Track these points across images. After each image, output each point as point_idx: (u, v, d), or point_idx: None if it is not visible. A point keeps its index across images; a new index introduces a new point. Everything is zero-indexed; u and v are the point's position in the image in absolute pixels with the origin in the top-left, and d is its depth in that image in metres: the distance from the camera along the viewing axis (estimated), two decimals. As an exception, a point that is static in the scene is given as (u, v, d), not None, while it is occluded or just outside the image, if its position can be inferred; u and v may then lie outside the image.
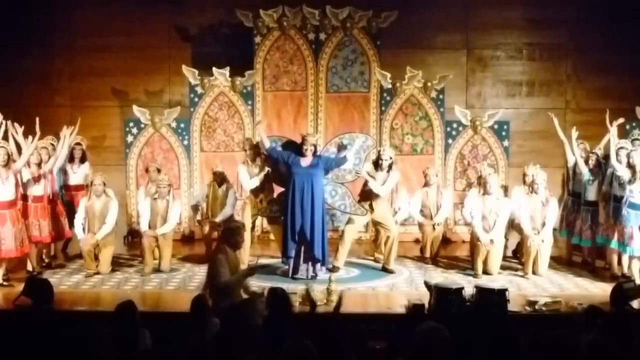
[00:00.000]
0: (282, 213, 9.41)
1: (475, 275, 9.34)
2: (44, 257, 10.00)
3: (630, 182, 8.99)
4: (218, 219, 10.29)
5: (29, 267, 9.46)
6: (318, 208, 9.17)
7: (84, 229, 9.55)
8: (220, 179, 10.49)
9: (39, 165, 9.52)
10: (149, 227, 9.65)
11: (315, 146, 9.34)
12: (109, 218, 9.53)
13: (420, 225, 10.49)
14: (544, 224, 9.48)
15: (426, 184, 10.46)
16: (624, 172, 9.06)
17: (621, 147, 9.54)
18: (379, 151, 9.87)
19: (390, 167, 9.65)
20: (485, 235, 9.37)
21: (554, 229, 9.84)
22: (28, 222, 9.27)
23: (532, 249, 9.38)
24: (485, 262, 9.45)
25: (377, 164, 9.64)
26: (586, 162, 9.89)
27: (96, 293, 8.79)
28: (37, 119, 9.58)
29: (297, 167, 9.19)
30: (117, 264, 9.92)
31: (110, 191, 9.82)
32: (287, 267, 9.36)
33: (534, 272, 9.43)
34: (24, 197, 9.33)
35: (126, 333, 5.74)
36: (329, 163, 9.31)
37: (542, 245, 9.41)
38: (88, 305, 8.26)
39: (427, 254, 10.36)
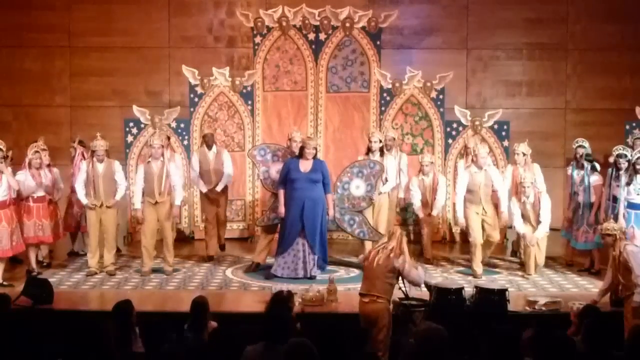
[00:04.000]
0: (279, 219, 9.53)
1: (475, 276, 9.35)
2: (42, 258, 9.94)
3: (629, 183, 8.99)
4: (219, 187, 10.31)
5: (30, 267, 9.44)
6: (319, 211, 9.23)
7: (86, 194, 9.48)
8: (210, 141, 10.46)
9: (40, 167, 9.50)
10: (146, 195, 9.47)
11: (316, 149, 9.37)
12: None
13: (417, 219, 10.52)
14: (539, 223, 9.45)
15: (421, 171, 10.48)
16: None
17: (618, 155, 9.48)
18: (368, 136, 10.02)
19: (382, 150, 9.84)
20: (461, 213, 9.47)
21: (556, 229, 9.82)
22: (30, 223, 9.28)
23: (530, 248, 9.37)
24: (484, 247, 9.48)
25: (368, 150, 9.85)
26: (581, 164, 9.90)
27: (96, 293, 8.80)
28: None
29: (296, 172, 9.22)
30: (116, 263, 9.90)
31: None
32: (274, 267, 9.39)
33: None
34: (26, 198, 9.34)
35: (122, 332, 5.75)
36: (324, 174, 9.31)
37: (539, 240, 9.39)
38: (88, 305, 8.28)
39: (428, 255, 10.34)
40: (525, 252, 9.52)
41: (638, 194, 8.94)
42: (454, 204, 11.37)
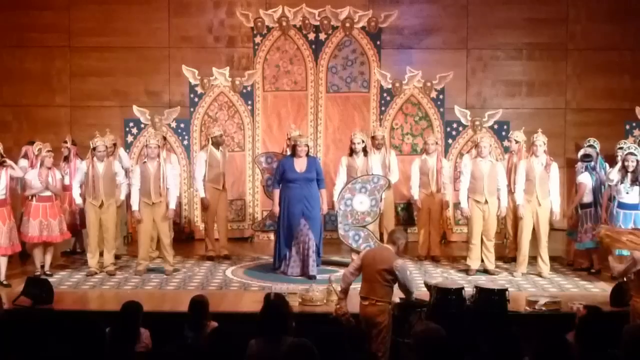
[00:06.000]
0: (275, 227, 9.67)
1: (467, 272, 9.45)
2: (48, 269, 9.82)
3: (620, 182, 8.99)
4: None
5: (37, 266, 9.38)
6: (315, 210, 9.36)
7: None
8: (220, 142, 10.48)
9: (51, 167, 9.44)
10: (142, 195, 9.43)
11: (308, 146, 9.48)
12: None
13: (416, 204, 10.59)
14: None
15: (425, 152, 10.51)
16: (614, 175, 9.06)
17: (620, 148, 9.53)
18: (350, 138, 10.11)
19: (365, 150, 9.94)
20: (465, 203, 9.48)
21: (559, 229, 9.82)
22: (35, 222, 9.21)
23: (525, 244, 9.41)
24: (485, 229, 9.51)
25: (351, 151, 9.97)
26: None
27: (96, 293, 8.80)
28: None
29: (293, 172, 9.33)
30: (116, 263, 9.90)
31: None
32: (283, 267, 9.47)
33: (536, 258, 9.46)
34: (29, 197, 9.30)
35: (129, 332, 5.75)
36: (318, 171, 9.48)
37: (542, 214, 9.42)
38: (88, 305, 8.28)
39: (423, 252, 10.43)
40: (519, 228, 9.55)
41: (627, 193, 8.95)
42: (454, 204, 11.42)
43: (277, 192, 9.41)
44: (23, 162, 10.04)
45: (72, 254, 10.65)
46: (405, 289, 6.84)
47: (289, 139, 10.11)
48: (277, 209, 9.37)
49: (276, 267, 9.56)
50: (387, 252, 6.86)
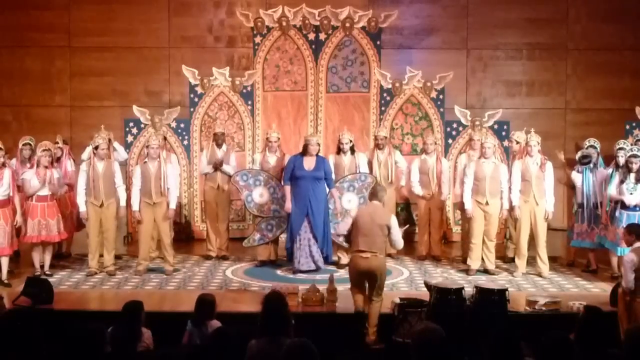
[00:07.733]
0: (265, 240, 9.83)
1: (467, 272, 9.45)
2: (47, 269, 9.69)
3: (622, 182, 8.98)
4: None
5: (37, 266, 9.36)
6: (323, 207, 9.48)
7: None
8: (220, 139, 10.53)
9: (48, 166, 9.41)
10: (143, 195, 9.42)
11: (319, 144, 9.63)
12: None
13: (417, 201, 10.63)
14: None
15: (424, 152, 10.54)
16: (612, 190, 9.06)
17: (620, 148, 9.52)
18: (338, 138, 10.24)
19: (352, 150, 10.09)
20: (469, 204, 9.46)
21: (558, 229, 9.83)
22: (34, 222, 9.16)
23: (522, 244, 9.41)
24: (486, 233, 9.50)
25: (339, 150, 10.12)
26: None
27: (96, 293, 8.80)
28: None
29: (301, 170, 9.42)
30: (116, 264, 9.89)
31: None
32: (288, 265, 9.58)
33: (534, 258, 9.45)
34: (29, 197, 9.28)
35: (131, 331, 5.75)
36: (326, 171, 9.55)
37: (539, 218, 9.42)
38: (88, 305, 8.28)
39: (423, 251, 10.44)
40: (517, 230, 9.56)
41: (631, 194, 8.93)
42: (454, 204, 11.42)
43: (288, 189, 9.49)
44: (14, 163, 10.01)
45: (64, 257, 10.54)
46: (396, 240, 7.48)
47: (267, 139, 10.16)
48: (289, 206, 9.43)
49: (288, 260, 9.67)
50: (381, 209, 7.51)
